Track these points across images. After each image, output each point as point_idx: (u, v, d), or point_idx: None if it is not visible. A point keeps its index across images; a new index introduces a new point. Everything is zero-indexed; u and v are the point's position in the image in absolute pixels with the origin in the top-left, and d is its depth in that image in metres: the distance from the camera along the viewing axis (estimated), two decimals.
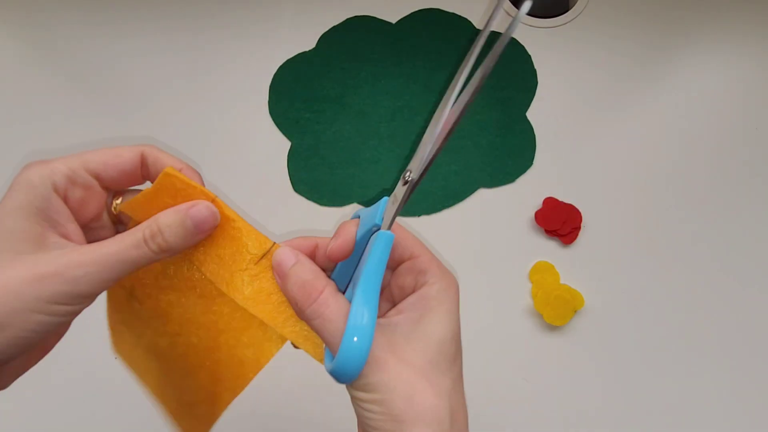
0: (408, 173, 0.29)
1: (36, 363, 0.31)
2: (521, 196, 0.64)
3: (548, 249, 0.63)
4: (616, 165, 0.65)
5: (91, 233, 0.32)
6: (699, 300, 0.62)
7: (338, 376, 0.28)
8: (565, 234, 0.63)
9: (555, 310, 0.60)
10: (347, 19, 0.69)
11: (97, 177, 0.30)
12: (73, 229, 0.30)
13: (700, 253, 0.63)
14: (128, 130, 0.67)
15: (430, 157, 0.28)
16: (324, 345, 0.30)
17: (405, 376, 0.28)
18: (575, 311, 0.61)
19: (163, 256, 0.29)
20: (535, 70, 0.67)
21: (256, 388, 0.34)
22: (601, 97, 0.66)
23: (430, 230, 0.64)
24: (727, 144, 0.64)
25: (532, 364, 0.61)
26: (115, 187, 0.32)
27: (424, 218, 0.65)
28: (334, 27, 0.69)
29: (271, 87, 0.68)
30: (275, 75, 0.68)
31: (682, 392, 0.60)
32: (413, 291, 0.31)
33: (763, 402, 0.59)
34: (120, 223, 0.33)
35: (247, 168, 0.66)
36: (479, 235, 0.64)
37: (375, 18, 0.69)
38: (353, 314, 0.27)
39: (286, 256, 0.30)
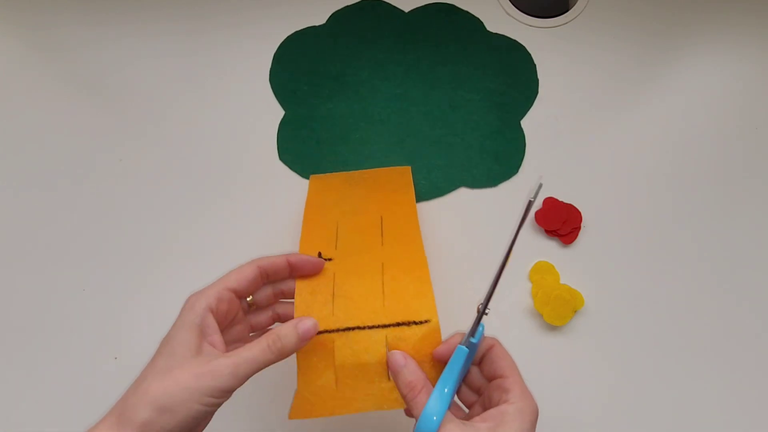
0: (480, 305, 0.43)
1: None
2: (522, 195, 0.64)
3: (548, 249, 0.63)
4: (616, 165, 0.65)
5: (229, 332, 0.46)
6: (699, 300, 0.62)
7: None
8: (565, 234, 0.63)
9: (555, 310, 0.60)
10: (362, 1, 0.70)
11: (234, 291, 0.44)
12: (218, 339, 0.42)
13: (700, 253, 0.63)
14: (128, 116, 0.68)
15: (491, 291, 0.44)
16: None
17: None
18: (575, 311, 0.61)
19: (281, 357, 0.41)
20: (537, 80, 0.67)
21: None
22: (601, 97, 0.67)
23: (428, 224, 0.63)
24: (727, 144, 0.65)
25: (532, 364, 0.58)
26: (246, 294, 0.46)
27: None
28: (347, 6, 0.70)
29: (275, 55, 0.69)
30: (281, 44, 0.69)
31: (683, 392, 0.60)
32: (498, 404, 0.40)
33: (763, 402, 0.59)
34: (251, 313, 0.48)
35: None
36: (479, 235, 0.64)
37: (389, 4, 0.70)
38: (437, 399, 0.40)
39: (397, 360, 0.42)
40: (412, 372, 0.41)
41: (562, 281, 0.62)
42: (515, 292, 0.62)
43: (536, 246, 0.63)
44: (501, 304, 0.61)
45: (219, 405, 0.38)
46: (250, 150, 0.66)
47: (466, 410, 0.45)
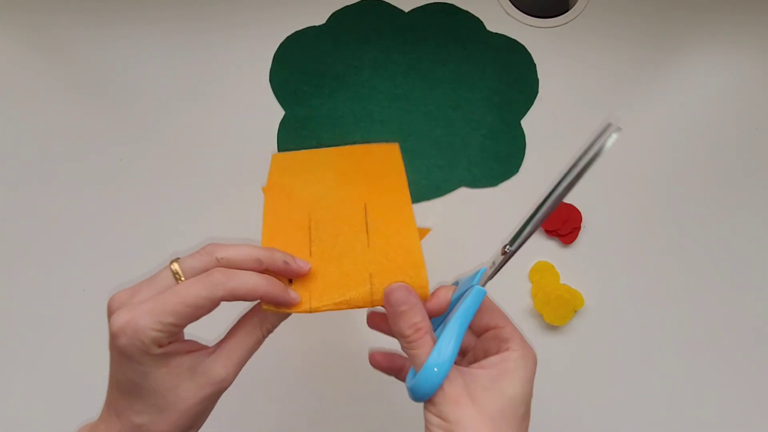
0: (507, 246, 0.37)
1: None
2: (522, 195, 0.64)
3: (548, 249, 0.63)
4: (616, 165, 0.65)
5: None
6: (699, 300, 0.62)
7: (414, 392, 0.35)
8: (565, 234, 0.63)
9: (555, 310, 0.60)
10: (362, 1, 0.70)
11: (178, 326, 0.34)
12: (185, 345, 0.36)
13: (700, 253, 0.63)
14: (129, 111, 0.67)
15: (527, 234, 0.37)
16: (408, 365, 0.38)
17: (475, 417, 0.33)
18: (575, 311, 0.61)
19: (268, 333, 0.38)
20: (537, 80, 0.67)
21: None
22: (601, 97, 0.67)
23: (426, 222, 0.63)
24: (727, 144, 0.65)
25: (535, 371, 0.59)
26: (195, 320, 0.36)
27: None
28: (347, 6, 0.70)
29: (275, 55, 0.69)
30: (281, 44, 0.69)
31: (682, 392, 0.60)
32: (498, 352, 0.36)
33: (763, 402, 0.59)
34: None
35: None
36: (479, 235, 0.63)
37: (389, 4, 0.70)
38: (437, 349, 0.35)
39: (400, 295, 0.36)
40: (418, 313, 0.36)
41: (562, 281, 0.62)
42: (515, 292, 0.62)
43: (536, 246, 0.63)
44: (501, 304, 0.60)
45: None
46: (250, 150, 0.66)
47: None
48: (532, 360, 0.36)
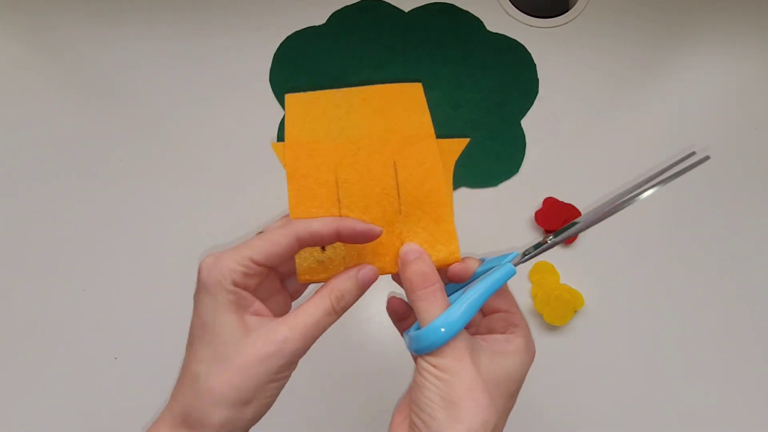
0: (550, 237, 0.38)
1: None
2: (522, 195, 0.64)
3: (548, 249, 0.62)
4: (616, 165, 0.65)
5: (269, 302, 0.38)
6: (699, 300, 0.62)
7: (414, 344, 0.34)
8: None
9: (555, 310, 0.60)
10: (362, 1, 0.70)
11: (264, 265, 0.35)
12: (259, 305, 0.36)
13: (700, 253, 0.63)
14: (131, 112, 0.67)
15: (575, 231, 0.38)
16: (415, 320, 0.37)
17: (473, 375, 0.33)
18: (575, 311, 0.60)
19: (343, 313, 0.36)
20: (537, 80, 0.67)
21: None
22: (601, 97, 0.67)
23: None
24: (726, 144, 0.65)
25: (532, 364, 0.58)
26: (277, 266, 0.38)
27: None
28: (347, 6, 0.70)
29: (275, 55, 0.69)
30: (281, 44, 0.69)
31: (682, 391, 0.59)
32: (502, 334, 0.37)
33: (763, 401, 0.59)
34: (285, 277, 0.41)
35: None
36: (479, 235, 0.62)
37: (389, 4, 0.70)
38: (451, 310, 0.34)
39: (412, 250, 0.37)
40: (427, 263, 0.36)
41: (562, 281, 0.62)
42: (515, 292, 0.60)
43: None
44: None
45: (291, 374, 0.35)
46: (250, 150, 0.66)
47: None
48: (532, 353, 0.37)
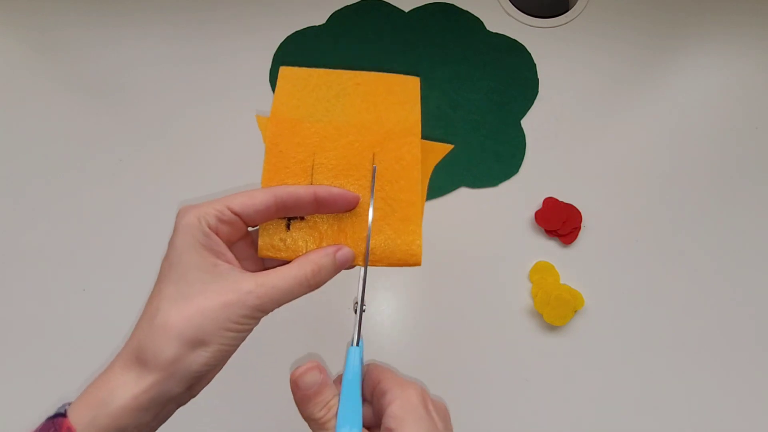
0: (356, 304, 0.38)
1: (217, 373, 0.37)
2: (522, 195, 0.64)
3: (548, 249, 0.63)
4: (616, 165, 0.65)
5: (243, 263, 0.38)
6: (699, 299, 0.62)
7: None
8: (565, 234, 0.63)
9: (555, 310, 0.59)
10: (362, 1, 0.70)
11: (238, 215, 0.36)
12: (231, 256, 0.36)
13: (700, 253, 0.63)
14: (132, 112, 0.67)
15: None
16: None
17: None
18: (575, 311, 0.60)
19: (315, 288, 0.36)
20: (537, 80, 0.67)
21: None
22: (600, 97, 0.67)
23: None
24: (726, 144, 0.65)
25: (532, 364, 0.59)
26: (252, 223, 0.37)
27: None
28: (347, 6, 0.70)
29: (275, 55, 0.69)
30: (281, 44, 0.69)
31: (682, 391, 0.59)
32: (385, 409, 0.35)
33: (763, 401, 0.59)
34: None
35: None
36: (479, 235, 0.63)
37: (389, 4, 0.70)
38: (342, 416, 0.34)
39: (311, 378, 0.35)
40: (330, 390, 0.35)
41: (562, 281, 0.61)
42: (515, 292, 0.61)
43: (536, 246, 0.63)
44: (501, 304, 0.61)
45: (253, 326, 0.35)
46: (250, 149, 0.65)
47: None
48: (415, 399, 0.35)
